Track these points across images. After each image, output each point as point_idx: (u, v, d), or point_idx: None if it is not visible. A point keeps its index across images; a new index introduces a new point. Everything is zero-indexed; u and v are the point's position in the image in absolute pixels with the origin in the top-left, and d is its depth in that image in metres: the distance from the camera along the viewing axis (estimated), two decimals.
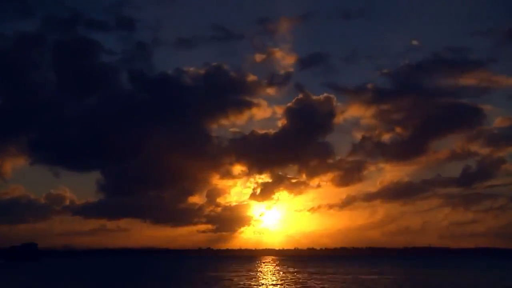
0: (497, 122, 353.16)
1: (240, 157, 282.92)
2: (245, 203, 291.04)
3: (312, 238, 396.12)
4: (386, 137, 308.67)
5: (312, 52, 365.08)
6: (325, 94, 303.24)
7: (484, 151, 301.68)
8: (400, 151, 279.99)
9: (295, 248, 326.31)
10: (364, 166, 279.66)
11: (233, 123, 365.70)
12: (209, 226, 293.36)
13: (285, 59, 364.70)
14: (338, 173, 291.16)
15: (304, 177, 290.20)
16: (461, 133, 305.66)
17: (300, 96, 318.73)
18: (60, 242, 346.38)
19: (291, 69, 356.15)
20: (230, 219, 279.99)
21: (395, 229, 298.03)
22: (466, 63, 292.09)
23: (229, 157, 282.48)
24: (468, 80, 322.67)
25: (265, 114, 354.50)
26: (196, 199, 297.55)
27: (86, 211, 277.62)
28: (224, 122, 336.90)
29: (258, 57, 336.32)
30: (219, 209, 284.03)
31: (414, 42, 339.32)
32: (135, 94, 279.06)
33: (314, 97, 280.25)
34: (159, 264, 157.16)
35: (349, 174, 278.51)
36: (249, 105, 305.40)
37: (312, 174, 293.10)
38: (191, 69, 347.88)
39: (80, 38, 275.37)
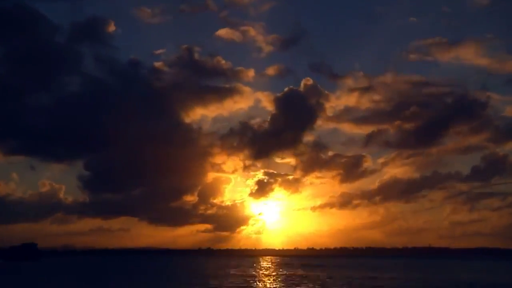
0: None
1: (232, 151, 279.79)
2: (243, 202, 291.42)
3: (312, 238, 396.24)
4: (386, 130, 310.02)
5: (295, 30, 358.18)
6: (312, 82, 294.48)
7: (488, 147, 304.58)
8: (402, 145, 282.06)
9: (295, 248, 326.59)
10: (363, 161, 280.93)
11: (216, 113, 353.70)
12: (207, 226, 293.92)
13: (264, 39, 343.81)
14: (336, 170, 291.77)
15: (299, 173, 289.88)
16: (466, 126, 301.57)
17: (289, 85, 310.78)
18: (60, 242, 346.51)
19: (272, 50, 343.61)
20: (229, 219, 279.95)
21: (395, 229, 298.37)
22: None
23: (220, 151, 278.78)
24: None
25: (249, 102, 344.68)
26: (190, 198, 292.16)
27: (78, 209, 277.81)
28: (204, 111, 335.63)
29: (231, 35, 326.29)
30: (215, 208, 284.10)
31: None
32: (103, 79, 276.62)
33: (304, 85, 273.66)
34: (159, 264, 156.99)
35: (347, 171, 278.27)
36: (230, 92, 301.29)
37: (308, 170, 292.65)
38: (161, 51, 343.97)
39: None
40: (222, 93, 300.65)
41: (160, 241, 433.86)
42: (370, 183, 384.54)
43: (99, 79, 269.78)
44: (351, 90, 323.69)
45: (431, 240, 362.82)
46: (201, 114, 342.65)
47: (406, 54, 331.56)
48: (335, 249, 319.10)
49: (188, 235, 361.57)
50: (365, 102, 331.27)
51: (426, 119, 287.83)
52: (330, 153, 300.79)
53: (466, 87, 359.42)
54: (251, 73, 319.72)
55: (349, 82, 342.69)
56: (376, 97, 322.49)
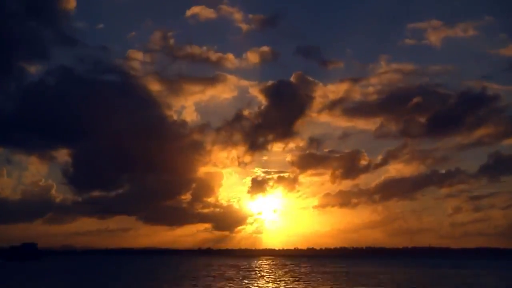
0: None
1: (223, 145, 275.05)
2: (239, 200, 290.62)
3: (312, 238, 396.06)
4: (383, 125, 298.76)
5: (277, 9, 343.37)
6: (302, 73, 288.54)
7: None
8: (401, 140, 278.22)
9: (295, 248, 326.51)
10: (360, 158, 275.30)
11: (197, 103, 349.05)
12: (207, 226, 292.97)
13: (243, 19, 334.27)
14: (333, 167, 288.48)
15: (296, 170, 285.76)
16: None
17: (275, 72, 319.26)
18: (59, 242, 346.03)
19: (253, 30, 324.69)
20: (227, 218, 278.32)
21: (395, 229, 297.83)
22: None
23: (209, 145, 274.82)
24: None
25: (234, 91, 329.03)
26: (184, 196, 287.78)
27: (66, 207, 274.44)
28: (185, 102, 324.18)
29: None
30: (212, 207, 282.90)
31: None
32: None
33: (295, 76, 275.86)
34: (158, 264, 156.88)
35: (344, 168, 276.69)
36: (212, 80, 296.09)
37: (304, 166, 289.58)
38: (133, 35, 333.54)
39: None
40: (204, 82, 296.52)
41: (160, 241, 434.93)
42: (369, 180, 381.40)
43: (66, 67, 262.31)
44: (343, 79, 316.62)
45: (431, 240, 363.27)
46: (181, 105, 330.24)
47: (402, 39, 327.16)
48: (335, 249, 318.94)
49: (187, 235, 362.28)
50: (360, 92, 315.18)
51: (430, 111, 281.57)
52: (326, 149, 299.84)
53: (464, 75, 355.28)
54: (232, 58, 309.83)
55: (341, 69, 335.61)
56: (371, 88, 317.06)
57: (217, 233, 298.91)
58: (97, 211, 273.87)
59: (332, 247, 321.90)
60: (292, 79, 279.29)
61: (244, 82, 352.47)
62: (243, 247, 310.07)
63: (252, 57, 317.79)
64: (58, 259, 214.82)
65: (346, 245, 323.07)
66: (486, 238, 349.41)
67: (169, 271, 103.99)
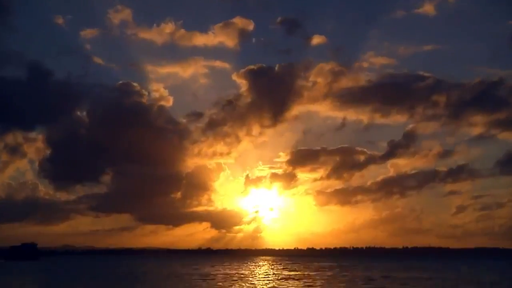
0: None
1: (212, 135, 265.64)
2: (236, 198, 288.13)
3: (313, 238, 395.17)
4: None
5: None
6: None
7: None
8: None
9: (295, 248, 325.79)
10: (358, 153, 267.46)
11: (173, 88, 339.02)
12: (206, 225, 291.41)
13: None
14: (330, 164, 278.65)
15: (291, 167, 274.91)
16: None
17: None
18: (60, 242, 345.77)
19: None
20: (224, 217, 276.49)
21: (395, 229, 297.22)
22: None
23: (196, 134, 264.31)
24: None
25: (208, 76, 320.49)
26: (175, 194, 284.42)
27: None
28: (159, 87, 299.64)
29: None
30: (208, 206, 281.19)
31: None
32: None
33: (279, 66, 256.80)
34: (157, 264, 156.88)
35: (341, 164, 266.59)
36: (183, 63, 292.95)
37: (300, 164, 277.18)
38: None
39: None
40: (175, 66, 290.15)
41: (160, 241, 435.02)
42: (368, 178, 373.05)
43: None
44: (334, 69, 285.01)
45: (431, 240, 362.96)
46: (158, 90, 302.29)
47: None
48: (335, 249, 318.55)
49: (187, 235, 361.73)
50: (352, 80, 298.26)
51: (433, 103, 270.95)
52: (320, 143, 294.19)
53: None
54: (206, 37, 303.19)
55: (328, 49, 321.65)
56: (363, 74, 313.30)
57: (217, 233, 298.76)
58: (90, 209, 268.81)
59: (332, 247, 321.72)
60: (276, 68, 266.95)
61: (218, 63, 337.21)
62: (243, 247, 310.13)
63: (229, 35, 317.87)
64: (58, 259, 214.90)
65: (346, 245, 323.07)
66: (484, 239, 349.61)
67: (164, 272, 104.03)
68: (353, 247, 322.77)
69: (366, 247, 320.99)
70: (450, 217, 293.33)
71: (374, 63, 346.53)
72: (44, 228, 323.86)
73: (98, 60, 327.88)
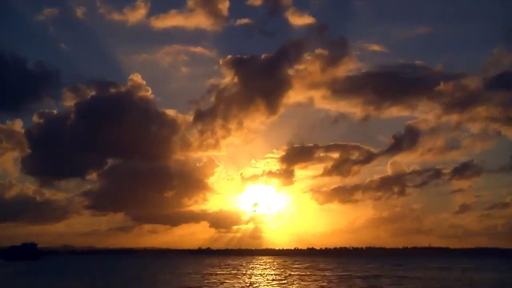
0: None
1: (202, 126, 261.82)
2: (236, 199, 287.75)
3: (312, 238, 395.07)
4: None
5: None
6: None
7: None
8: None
9: (295, 248, 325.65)
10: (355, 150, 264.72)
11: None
12: (205, 225, 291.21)
13: None
14: (326, 161, 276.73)
15: (286, 164, 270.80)
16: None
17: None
18: (60, 242, 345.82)
19: None
20: (223, 216, 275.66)
21: (394, 229, 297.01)
22: None
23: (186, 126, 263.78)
24: None
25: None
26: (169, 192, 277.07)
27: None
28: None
29: None
30: (205, 205, 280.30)
31: None
32: None
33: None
34: (157, 264, 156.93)
35: (339, 162, 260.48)
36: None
37: (296, 161, 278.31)
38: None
39: None
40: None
41: (160, 241, 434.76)
42: (367, 176, 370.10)
43: None
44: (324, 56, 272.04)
45: (431, 240, 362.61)
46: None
47: None
48: (335, 249, 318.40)
49: (187, 235, 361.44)
50: (348, 69, 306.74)
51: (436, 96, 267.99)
52: (314, 139, 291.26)
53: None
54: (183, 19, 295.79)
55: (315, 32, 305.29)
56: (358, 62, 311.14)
57: (216, 233, 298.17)
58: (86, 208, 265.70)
59: (332, 247, 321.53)
60: (262, 56, 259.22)
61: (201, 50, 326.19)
62: (243, 247, 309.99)
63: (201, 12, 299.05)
64: (58, 259, 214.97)
65: (346, 245, 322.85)
66: (484, 239, 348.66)
67: (163, 272, 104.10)
68: (353, 247, 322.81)
69: (366, 247, 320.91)
70: (452, 216, 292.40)
71: (366, 50, 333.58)
72: (35, 227, 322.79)
73: (63, 45, 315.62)
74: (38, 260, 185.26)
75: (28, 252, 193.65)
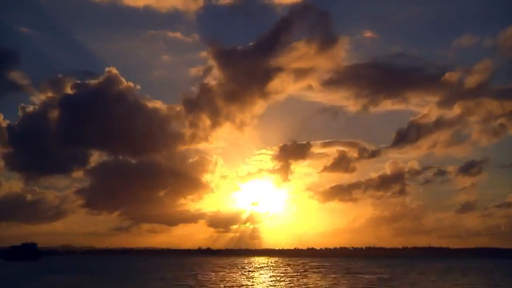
0: None
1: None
2: (233, 198, 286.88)
3: (312, 238, 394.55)
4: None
5: None
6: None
7: None
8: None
9: (295, 248, 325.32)
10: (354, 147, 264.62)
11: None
12: (205, 225, 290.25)
13: None
14: (325, 159, 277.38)
15: (283, 162, 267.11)
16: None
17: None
18: (60, 242, 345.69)
19: None
20: (222, 215, 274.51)
21: (394, 228, 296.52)
22: None
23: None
24: None
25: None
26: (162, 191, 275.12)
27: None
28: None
29: None
30: (202, 204, 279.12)
31: None
32: None
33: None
34: (157, 264, 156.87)
35: (337, 160, 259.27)
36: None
37: (292, 158, 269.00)
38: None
39: None
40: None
41: (159, 241, 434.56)
42: (366, 174, 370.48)
43: None
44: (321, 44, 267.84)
45: (431, 240, 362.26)
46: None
47: None
48: (335, 249, 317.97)
49: (186, 235, 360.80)
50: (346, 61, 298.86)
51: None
52: (313, 136, 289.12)
53: None
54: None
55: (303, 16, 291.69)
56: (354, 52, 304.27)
57: (215, 232, 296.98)
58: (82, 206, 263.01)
59: (332, 247, 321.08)
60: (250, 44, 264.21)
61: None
62: (243, 247, 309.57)
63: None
64: (58, 259, 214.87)
65: (346, 245, 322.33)
66: (484, 239, 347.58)
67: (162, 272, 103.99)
68: (353, 247, 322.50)
69: (366, 247, 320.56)
70: (453, 215, 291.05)
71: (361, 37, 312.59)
72: (34, 226, 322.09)
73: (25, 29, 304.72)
74: (38, 260, 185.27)
75: (28, 252, 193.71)
